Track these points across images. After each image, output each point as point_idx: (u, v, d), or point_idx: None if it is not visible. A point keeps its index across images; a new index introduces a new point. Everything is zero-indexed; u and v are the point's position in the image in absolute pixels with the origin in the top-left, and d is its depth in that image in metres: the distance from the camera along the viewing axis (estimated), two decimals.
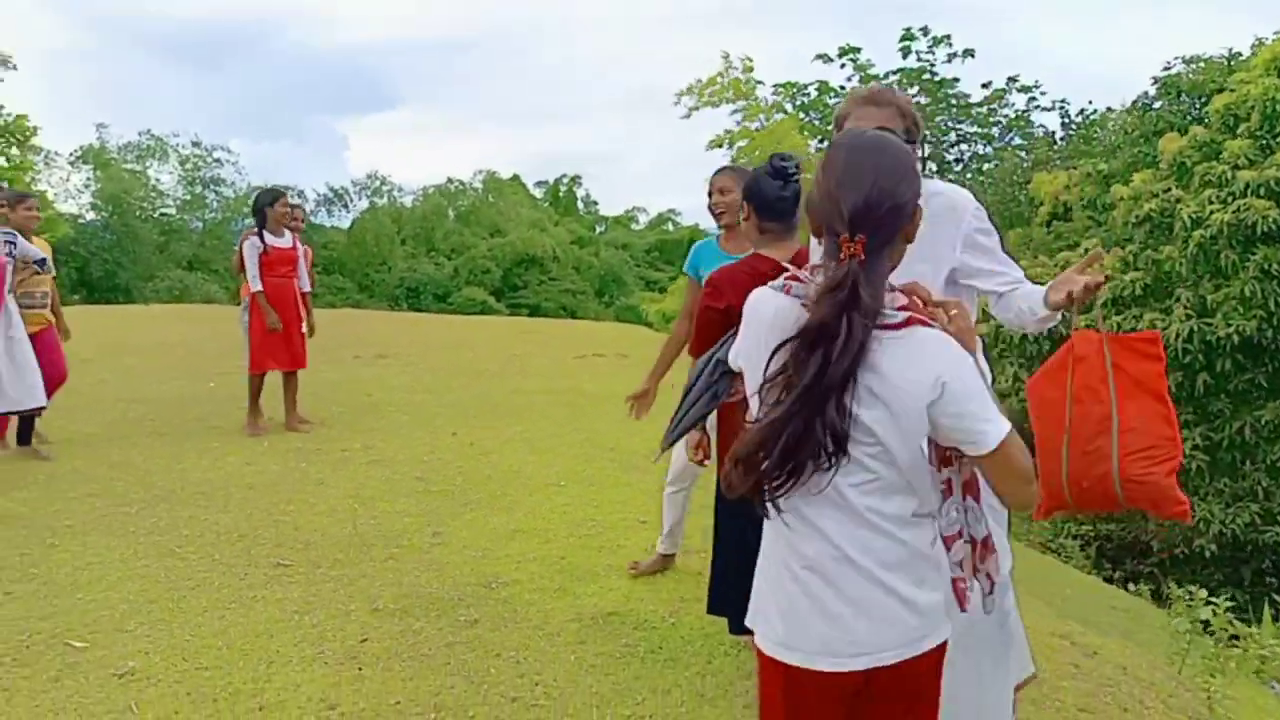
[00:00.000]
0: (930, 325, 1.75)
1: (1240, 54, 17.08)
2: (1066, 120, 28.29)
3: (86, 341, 9.48)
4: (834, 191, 1.73)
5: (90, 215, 36.62)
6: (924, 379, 1.70)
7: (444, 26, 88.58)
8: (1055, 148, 25.15)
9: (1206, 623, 5.29)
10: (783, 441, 1.68)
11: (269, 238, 7.30)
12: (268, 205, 7.38)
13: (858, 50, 32.44)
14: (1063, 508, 2.48)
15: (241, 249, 7.32)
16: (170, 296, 30.11)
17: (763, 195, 3.28)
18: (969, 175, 31.24)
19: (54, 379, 6.96)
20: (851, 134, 1.86)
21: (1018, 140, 30.57)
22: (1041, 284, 2.64)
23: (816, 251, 1.92)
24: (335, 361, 11.33)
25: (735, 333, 1.95)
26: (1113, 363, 2.40)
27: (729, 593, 3.61)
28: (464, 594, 4.17)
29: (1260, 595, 11.10)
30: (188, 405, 8.34)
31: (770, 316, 1.80)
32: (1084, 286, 2.38)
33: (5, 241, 6.24)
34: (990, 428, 1.72)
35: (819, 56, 32.51)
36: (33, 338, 6.75)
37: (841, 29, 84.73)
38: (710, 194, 4.23)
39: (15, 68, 36.02)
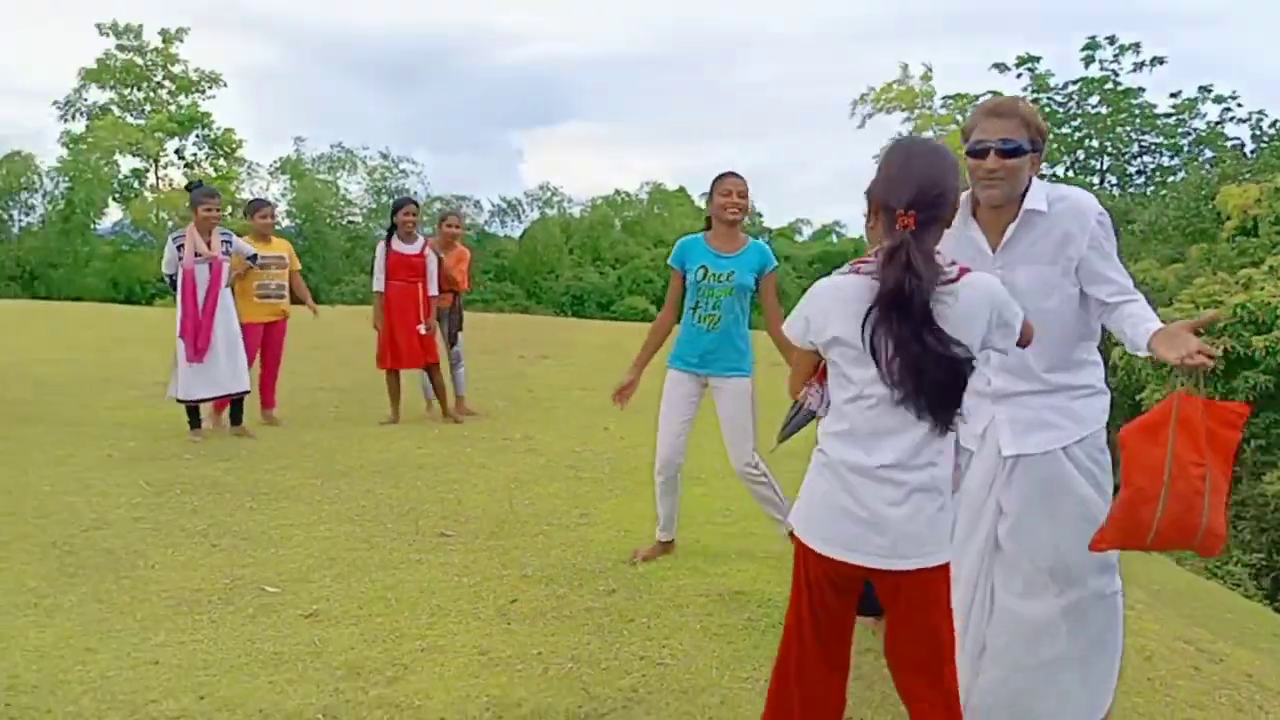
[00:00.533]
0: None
1: None
2: (1258, 133, 26.63)
3: None
4: (895, 178, 2.16)
5: (286, 222, 39.28)
6: (982, 307, 2.19)
7: (617, 43, 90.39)
8: (1245, 160, 23.74)
9: None
10: (914, 373, 2.13)
11: (396, 243, 7.78)
12: (394, 213, 7.90)
13: (1037, 59, 31.51)
14: (1135, 547, 2.64)
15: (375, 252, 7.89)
16: (354, 300, 32.02)
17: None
18: (1151, 188, 29.89)
19: (276, 362, 7.88)
20: (909, 139, 2.24)
21: (1209, 153, 28.98)
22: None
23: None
24: (502, 361, 12.03)
25: None
26: (1208, 427, 2.53)
27: None
28: (605, 567, 4.55)
29: None
30: (368, 395, 9.08)
31: (848, 292, 2.20)
32: (1194, 357, 2.41)
33: (223, 240, 7.05)
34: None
35: (995, 65, 31.74)
36: (270, 326, 7.67)
37: (1024, 38, 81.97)
38: (728, 194, 4.45)
39: (225, 84, 39.35)
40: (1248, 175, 20.09)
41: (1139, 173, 32.10)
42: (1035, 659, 2.85)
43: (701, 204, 50.80)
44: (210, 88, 38.99)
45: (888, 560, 2.21)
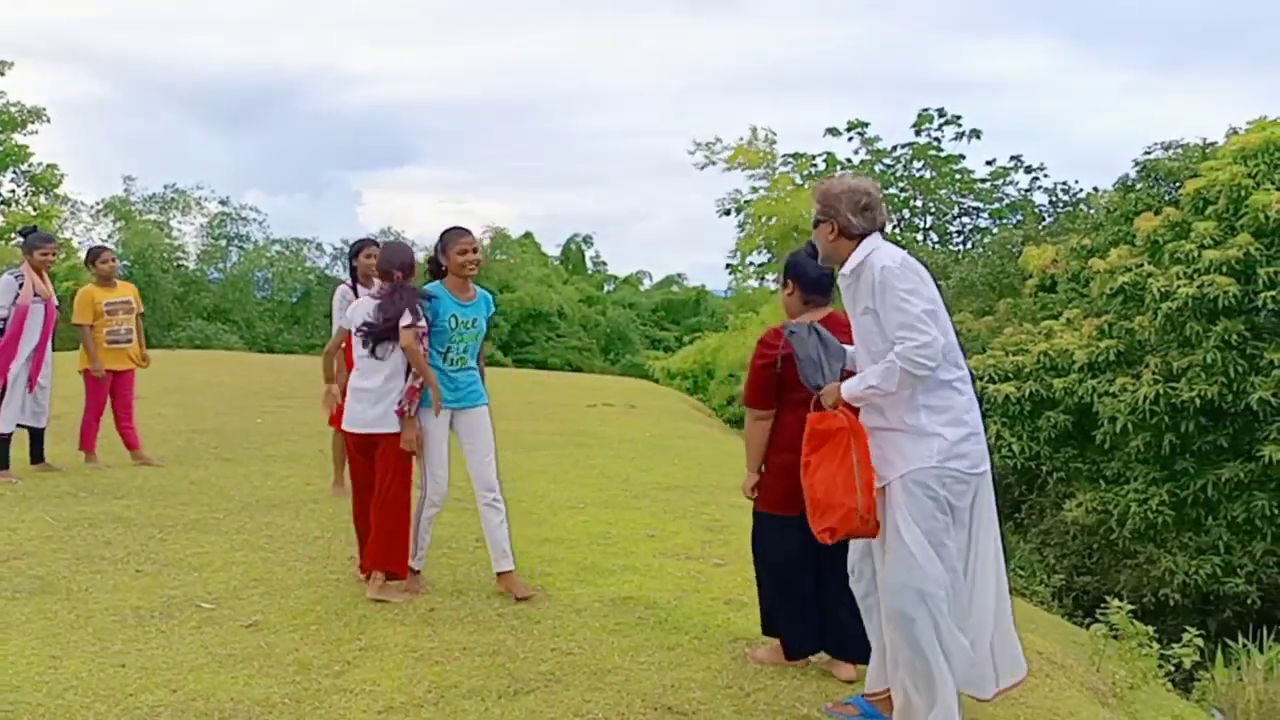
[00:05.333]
0: None
1: (1215, 142, 18.20)
2: (1054, 199, 29.61)
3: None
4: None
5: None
6: None
7: (460, 88, 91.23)
8: (1044, 224, 26.36)
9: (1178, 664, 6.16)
10: None
11: (361, 290, 7.09)
12: (352, 256, 7.33)
13: (865, 125, 33.89)
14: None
15: (332, 301, 7.34)
16: (191, 346, 31.15)
17: (808, 274, 4.04)
18: (969, 246, 32.46)
19: (129, 405, 7.98)
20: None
21: (1019, 216, 31.73)
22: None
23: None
24: None
25: None
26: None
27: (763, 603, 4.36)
28: None
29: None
30: (244, 436, 9.34)
31: None
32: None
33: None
34: None
35: (829, 130, 33.89)
36: (120, 374, 7.78)
37: (856, 102, 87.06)
38: (466, 251, 5.18)
39: (48, 120, 37.62)
40: (1046, 238, 22.30)
41: (958, 232, 34.83)
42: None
43: (552, 250, 51.61)
44: (33, 123, 37.24)
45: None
